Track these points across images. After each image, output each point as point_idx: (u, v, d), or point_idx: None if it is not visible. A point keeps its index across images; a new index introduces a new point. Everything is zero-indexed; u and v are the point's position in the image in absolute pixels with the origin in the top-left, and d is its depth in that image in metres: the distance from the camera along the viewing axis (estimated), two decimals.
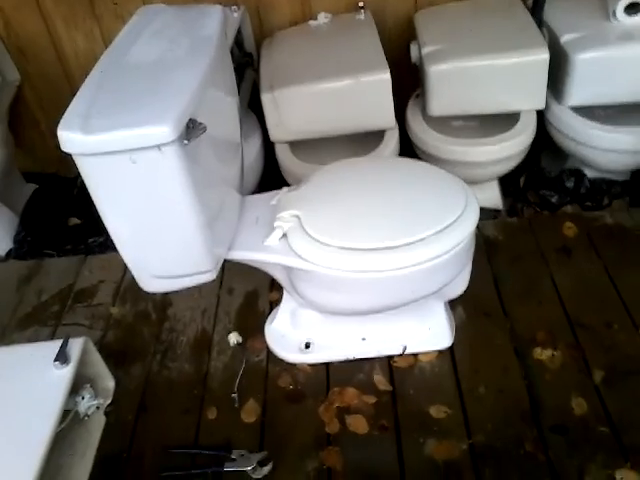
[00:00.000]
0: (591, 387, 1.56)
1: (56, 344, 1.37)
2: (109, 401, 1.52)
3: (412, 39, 2.11)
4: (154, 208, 1.26)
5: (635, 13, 1.92)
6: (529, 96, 1.98)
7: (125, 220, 1.28)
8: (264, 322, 1.81)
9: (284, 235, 1.47)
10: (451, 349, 1.70)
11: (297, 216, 1.48)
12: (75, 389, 1.40)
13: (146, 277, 1.43)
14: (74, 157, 1.15)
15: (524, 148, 1.98)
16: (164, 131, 1.10)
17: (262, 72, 2.03)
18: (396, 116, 2.01)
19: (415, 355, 1.69)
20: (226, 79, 1.51)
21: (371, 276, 1.41)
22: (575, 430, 1.47)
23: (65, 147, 1.13)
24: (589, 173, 2.17)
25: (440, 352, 1.70)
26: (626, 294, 1.79)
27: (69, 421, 1.37)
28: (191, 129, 1.16)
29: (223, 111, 1.49)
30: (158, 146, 1.12)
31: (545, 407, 1.53)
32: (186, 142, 1.15)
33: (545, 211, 2.15)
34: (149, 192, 1.22)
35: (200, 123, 1.18)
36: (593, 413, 1.50)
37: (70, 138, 1.11)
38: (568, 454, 1.43)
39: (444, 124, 2.07)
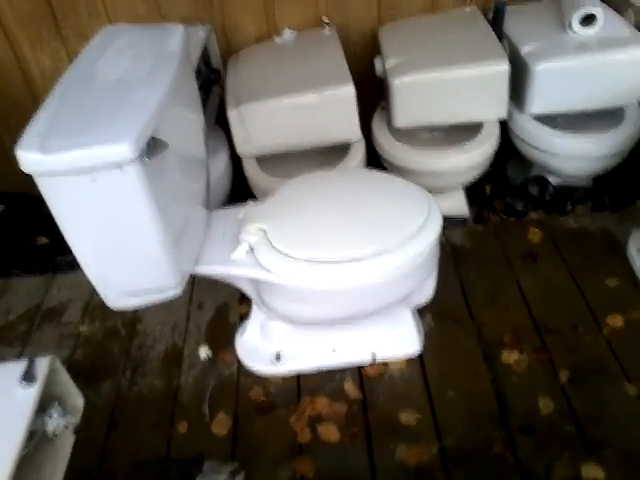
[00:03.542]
0: (557, 387, 1.59)
1: (22, 364, 1.36)
2: (78, 419, 1.51)
3: (377, 53, 2.15)
4: (117, 226, 1.25)
5: (590, 25, 1.98)
6: (491, 106, 2.02)
7: (88, 239, 1.27)
8: (234, 335, 1.82)
9: (251, 249, 1.48)
10: (420, 355, 1.72)
11: (263, 229, 1.49)
12: (43, 408, 1.39)
13: (112, 295, 1.42)
14: (34, 177, 1.15)
15: (488, 157, 2.02)
16: (124, 149, 1.10)
17: (228, 88, 2.05)
18: (363, 129, 2.04)
19: (385, 363, 1.71)
20: (189, 96, 1.52)
21: (338, 287, 1.43)
22: (542, 430, 1.50)
23: (24, 167, 1.12)
24: (553, 180, 2.21)
25: (409, 359, 1.71)
26: (590, 296, 1.83)
27: (37, 441, 1.36)
28: (152, 147, 1.17)
29: (187, 127, 1.50)
30: (119, 165, 1.13)
31: (513, 409, 1.55)
32: (147, 160, 1.15)
33: (511, 218, 2.19)
34: (112, 211, 1.22)
35: (162, 141, 1.19)
36: (559, 412, 1.53)
37: (29, 158, 1.11)
38: (536, 453, 1.45)
39: (410, 135, 2.10)
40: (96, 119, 1.18)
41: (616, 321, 1.73)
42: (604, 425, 1.48)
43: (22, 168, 1.13)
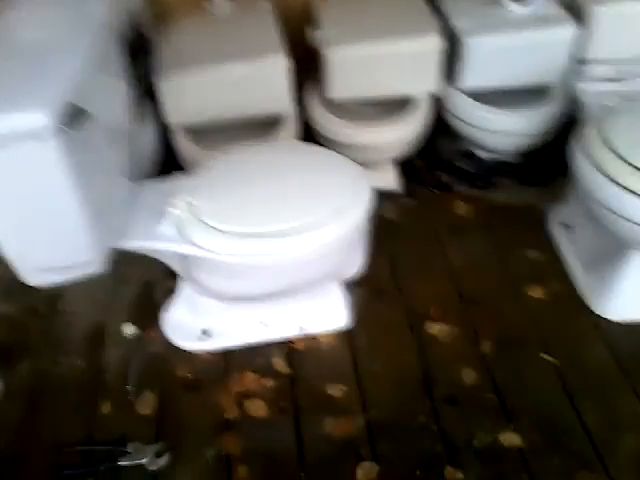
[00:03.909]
0: (480, 358, 1.63)
1: None
2: None
3: (311, 23, 2.11)
4: (34, 197, 1.20)
5: (522, 2, 2.00)
6: (423, 80, 2.02)
7: (3, 210, 1.21)
8: (161, 312, 1.78)
9: (178, 221, 1.44)
10: (348, 329, 1.73)
11: (191, 203, 1.45)
12: None
13: (29, 270, 1.36)
14: None
15: (418, 131, 2.03)
16: (39, 117, 1.05)
17: (158, 56, 1.97)
18: (297, 101, 2.01)
19: (313, 337, 1.71)
20: (113, 62, 1.46)
21: (264, 261, 1.41)
22: (465, 400, 1.54)
23: None
24: (481, 155, 2.25)
25: (338, 332, 1.72)
26: (513, 269, 1.88)
27: None
28: (70, 115, 1.11)
29: (110, 96, 1.45)
30: (36, 134, 1.07)
31: (437, 379, 1.59)
32: (65, 128, 1.10)
33: (439, 191, 2.22)
34: (28, 181, 1.16)
35: (81, 108, 1.14)
36: (481, 382, 1.57)
37: None
38: (458, 423, 1.49)
39: (343, 108, 2.08)
40: (11, 85, 1.12)
41: (536, 292, 1.79)
42: (523, 394, 1.53)
43: None
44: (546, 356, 1.61)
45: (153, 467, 1.43)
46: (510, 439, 1.44)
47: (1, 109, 1.06)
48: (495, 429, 1.46)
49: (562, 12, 1.99)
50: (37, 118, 1.05)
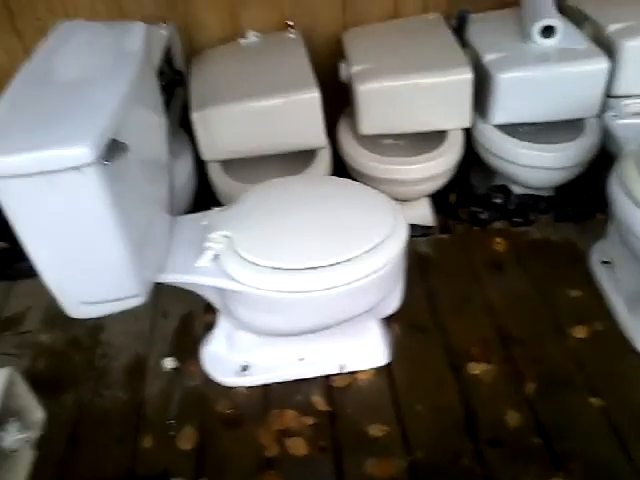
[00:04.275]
0: (524, 399, 1.60)
1: None
2: (38, 434, 1.46)
3: (342, 58, 2.14)
4: (76, 231, 1.21)
5: (550, 36, 2.01)
6: (455, 115, 2.03)
7: (46, 244, 1.23)
8: (200, 346, 1.78)
9: (215, 256, 1.45)
10: (388, 366, 1.71)
11: (228, 237, 1.46)
12: (0, 423, 1.33)
13: (72, 303, 1.38)
14: None
15: (452, 166, 2.03)
16: (83, 152, 1.07)
17: (192, 90, 2.01)
18: (329, 135, 2.03)
19: (353, 374, 1.70)
20: (151, 97, 1.48)
21: (303, 296, 1.41)
22: (509, 442, 1.50)
23: None
24: (516, 189, 2.24)
25: (377, 370, 1.70)
26: (554, 307, 1.85)
27: None
28: (112, 149, 1.13)
29: (148, 130, 1.47)
30: (77, 167, 1.08)
31: (480, 421, 1.56)
32: (107, 163, 1.11)
33: (476, 227, 2.21)
34: (70, 215, 1.18)
35: (122, 143, 1.15)
36: (526, 425, 1.54)
37: None
38: (503, 466, 1.46)
39: (375, 142, 2.10)
40: (54, 119, 1.14)
41: (580, 332, 1.76)
42: (570, 438, 1.50)
43: None
44: (593, 400, 1.58)
45: None
46: None
47: (46, 145, 1.07)
48: (542, 475, 1.42)
49: (592, 46, 2.00)
50: (81, 152, 1.07)
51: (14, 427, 1.35)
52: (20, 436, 1.36)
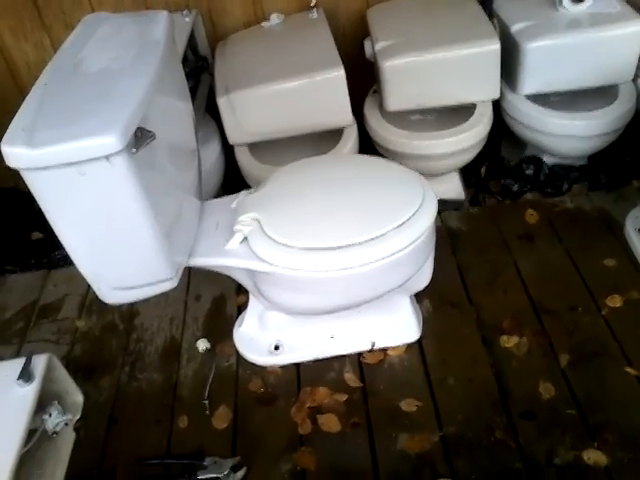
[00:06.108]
0: (557, 371, 1.58)
1: (19, 362, 1.34)
2: (78, 416, 1.50)
3: (366, 35, 2.12)
4: (108, 219, 1.24)
5: (580, 1, 1.95)
6: (483, 87, 1.99)
7: (79, 233, 1.26)
8: (232, 327, 1.81)
9: (245, 239, 1.47)
10: (419, 342, 1.71)
11: (257, 219, 1.47)
12: (42, 406, 1.38)
13: (106, 289, 1.41)
14: (21, 172, 1.13)
15: (481, 139, 2.00)
16: (111, 141, 1.08)
17: (217, 75, 2.02)
18: (354, 113, 2.02)
19: (384, 350, 1.70)
20: (177, 84, 1.49)
21: (333, 275, 1.41)
22: (543, 415, 1.49)
23: (10, 162, 1.10)
24: (547, 160, 2.20)
25: (408, 346, 1.70)
26: (588, 277, 1.82)
27: (37, 440, 1.35)
28: (140, 137, 1.15)
29: (175, 117, 1.48)
30: (106, 157, 1.10)
31: (514, 394, 1.55)
32: (135, 151, 1.13)
33: (507, 200, 2.17)
34: (101, 204, 1.20)
35: (149, 131, 1.17)
36: (560, 397, 1.52)
37: (15, 153, 1.09)
38: (537, 439, 1.44)
39: (402, 118, 2.08)
40: (82, 111, 1.16)
41: (615, 302, 1.72)
42: (605, 409, 1.48)
43: (8, 163, 1.11)
44: (629, 369, 1.55)
45: None
46: (594, 457, 1.38)
47: (75, 136, 1.09)
48: (577, 446, 1.41)
49: (626, 7, 1.93)
50: (109, 142, 1.08)
51: (55, 410, 1.40)
52: (61, 419, 1.40)
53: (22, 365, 1.33)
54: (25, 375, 1.31)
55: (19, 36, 2.15)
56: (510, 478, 1.38)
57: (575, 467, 1.38)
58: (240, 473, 1.46)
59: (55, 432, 1.41)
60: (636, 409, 1.47)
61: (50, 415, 1.39)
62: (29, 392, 1.30)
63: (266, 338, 1.74)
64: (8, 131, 1.12)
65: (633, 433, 1.42)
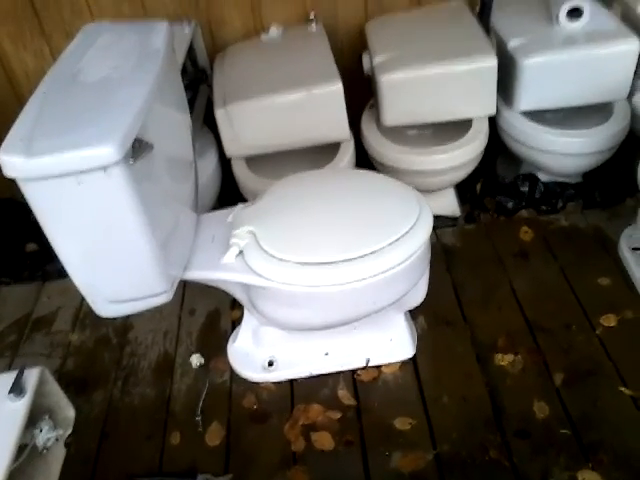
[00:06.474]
0: (552, 390, 1.58)
1: (11, 375, 1.33)
2: (69, 431, 1.49)
3: (364, 49, 2.12)
4: (104, 231, 1.23)
5: (577, 18, 1.97)
6: (480, 103, 2.00)
7: (74, 244, 1.24)
8: (227, 342, 1.80)
9: (240, 252, 1.46)
10: (414, 359, 1.71)
11: (252, 232, 1.47)
12: (33, 421, 1.36)
13: (100, 302, 1.40)
14: (18, 182, 1.12)
15: (477, 155, 2.00)
16: (109, 152, 1.08)
17: (215, 87, 2.02)
18: (351, 128, 2.02)
19: (378, 367, 1.70)
20: (175, 95, 1.49)
21: (329, 290, 1.41)
22: (538, 434, 1.49)
23: (7, 172, 1.09)
24: (543, 177, 2.21)
25: (403, 363, 1.70)
26: (582, 296, 1.82)
27: (26, 455, 1.34)
28: (137, 148, 1.14)
29: (173, 128, 1.48)
30: (103, 167, 1.10)
31: (508, 412, 1.54)
32: (132, 162, 1.13)
33: (502, 217, 2.18)
34: (97, 214, 1.20)
35: (146, 142, 1.17)
36: (554, 416, 1.52)
37: (12, 162, 1.08)
38: (531, 458, 1.44)
39: (399, 133, 2.08)
40: (80, 120, 1.15)
41: (609, 321, 1.73)
42: (599, 428, 1.48)
43: (5, 172, 1.10)
44: (623, 389, 1.55)
45: None
46: (589, 477, 1.37)
47: (72, 146, 1.09)
48: (572, 466, 1.40)
49: (622, 26, 1.94)
50: (107, 152, 1.08)
51: (46, 425, 1.39)
52: (52, 434, 1.39)
53: (14, 379, 1.32)
54: (17, 389, 1.30)
55: (18, 44, 2.15)
56: None
57: None
58: None
59: (46, 448, 1.39)
60: (631, 429, 1.47)
61: (41, 430, 1.38)
62: (20, 407, 1.28)
63: (260, 354, 1.73)
64: (6, 140, 1.12)
65: (628, 454, 1.42)
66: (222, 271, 1.47)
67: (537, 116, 2.04)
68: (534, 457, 1.44)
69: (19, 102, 2.24)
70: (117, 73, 1.29)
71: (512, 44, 2.00)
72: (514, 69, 1.97)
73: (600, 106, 2.04)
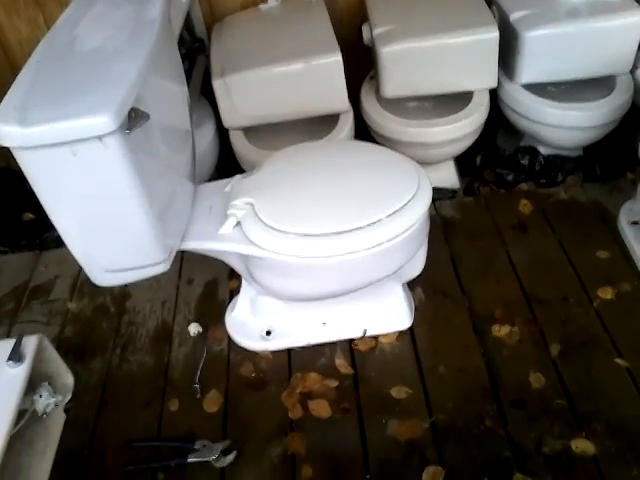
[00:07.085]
0: (548, 361, 1.59)
1: (9, 343, 1.35)
2: (68, 397, 1.51)
3: (364, 20, 2.10)
4: (100, 201, 1.22)
5: None
6: (481, 75, 1.98)
7: (70, 214, 1.24)
8: (224, 311, 1.80)
9: (238, 223, 1.46)
10: (411, 330, 1.71)
11: (250, 203, 1.47)
12: (32, 387, 1.38)
13: (97, 271, 1.40)
14: (12, 151, 1.11)
15: (477, 127, 1.99)
16: (104, 121, 1.07)
17: (213, 57, 2.00)
18: (351, 99, 2.00)
19: (376, 337, 1.70)
20: (172, 65, 1.47)
21: (326, 261, 1.41)
22: (533, 404, 1.50)
23: (2, 141, 1.08)
24: (543, 150, 2.20)
25: (400, 333, 1.71)
26: (580, 268, 1.82)
27: (26, 420, 1.35)
28: (133, 118, 1.13)
29: (170, 98, 1.46)
30: (99, 137, 1.09)
31: (504, 383, 1.55)
32: (128, 132, 1.12)
33: (501, 189, 2.17)
34: (93, 184, 1.19)
35: (143, 112, 1.15)
36: (550, 386, 1.53)
37: (7, 131, 1.07)
38: (526, 427, 1.45)
39: (399, 105, 2.07)
40: (75, 89, 1.14)
41: (606, 293, 1.73)
42: (594, 399, 1.49)
43: None
44: (619, 360, 1.56)
45: (220, 465, 1.46)
46: (582, 446, 1.39)
47: (67, 115, 1.08)
48: (566, 435, 1.42)
49: None
50: (102, 122, 1.07)
51: (45, 391, 1.41)
52: (51, 400, 1.41)
53: (12, 346, 1.33)
54: (15, 356, 1.31)
55: (12, 12, 2.12)
56: (499, 466, 1.39)
57: (563, 456, 1.39)
58: (230, 457, 1.47)
59: (45, 413, 1.41)
60: (625, 400, 1.48)
61: (40, 396, 1.40)
62: (19, 373, 1.30)
63: (258, 323, 1.74)
64: (0, 109, 1.11)
65: (621, 423, 1.43)
66: (220, 241, 1.47)
67: (539, 89, 2.03)
68: (529, 426, 1.45)
69: (13, 71, 2.22)
70: (112, 42, 1.27)
71: (514, 16, 1.98)
72: (516, 41, 1.94)
73: (602, 80, 2.03)
